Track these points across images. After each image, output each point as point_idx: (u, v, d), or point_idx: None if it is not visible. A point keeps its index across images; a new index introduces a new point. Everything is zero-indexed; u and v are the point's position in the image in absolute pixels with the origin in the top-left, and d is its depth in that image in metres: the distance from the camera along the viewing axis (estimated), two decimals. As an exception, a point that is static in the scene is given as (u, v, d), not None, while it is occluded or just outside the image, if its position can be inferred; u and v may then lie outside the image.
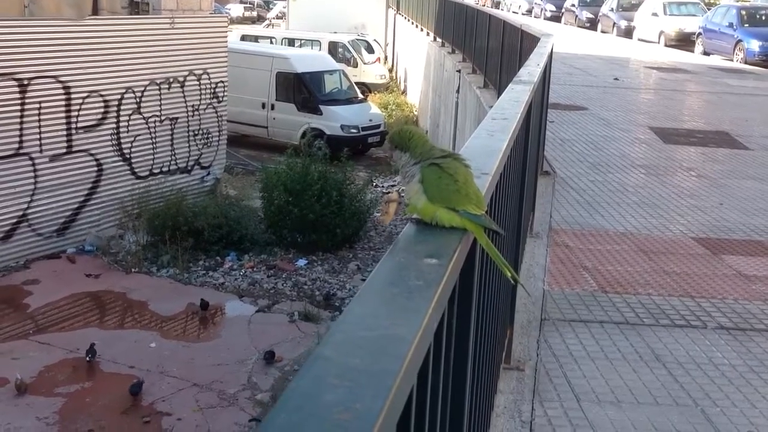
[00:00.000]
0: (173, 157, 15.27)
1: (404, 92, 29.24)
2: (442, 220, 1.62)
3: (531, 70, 5.14)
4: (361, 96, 22.73)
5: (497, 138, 2.67)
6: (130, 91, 14.21)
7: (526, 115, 4.05)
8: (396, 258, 1.44)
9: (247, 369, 9.73)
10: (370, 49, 29.59)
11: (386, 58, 32.80)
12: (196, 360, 9.93)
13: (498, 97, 4.73)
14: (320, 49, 26.45)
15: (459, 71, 16.02)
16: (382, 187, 18.44)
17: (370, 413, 0.92)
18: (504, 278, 2.84)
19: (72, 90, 13.24)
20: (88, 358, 9.65)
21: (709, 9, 27.29)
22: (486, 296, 2.45)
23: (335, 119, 20.55)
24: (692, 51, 24.96)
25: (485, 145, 2.56)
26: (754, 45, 22.46)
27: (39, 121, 12.81)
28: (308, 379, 1.00)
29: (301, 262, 13.24)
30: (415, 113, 26.31)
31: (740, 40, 22.86)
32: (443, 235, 1.60)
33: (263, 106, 21.15)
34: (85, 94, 13.43)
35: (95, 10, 14.18)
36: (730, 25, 23.42)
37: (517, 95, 3.79)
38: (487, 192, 2.14)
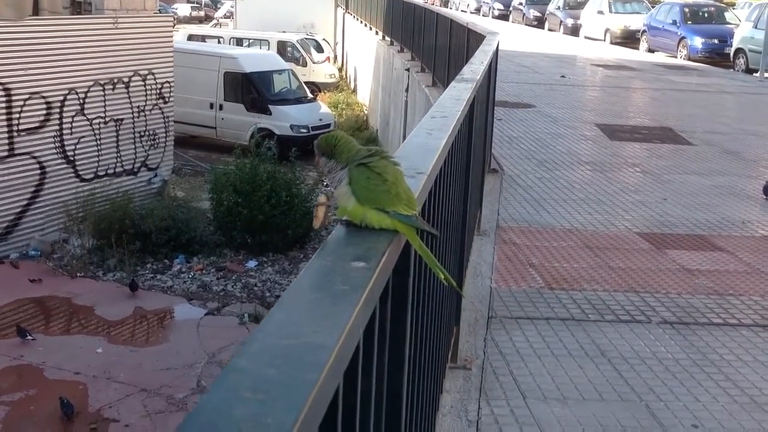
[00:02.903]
0: (119, 159, 15.01)
1: (354, 91, 29.18)
2: (371, 222, 1.57)
3: (474, 68, 5.13)
4: (310, 95, 22.64)
5: (435, 136, 2.65)
6: (73, 92, 13.92)
7: (469, 112, 4.03)
8: (322, 262, 1.40)
9: (196, 373, 9.60)
10: (319, 49, 29.47)
11: (336, 57, 32.71)
12: (144, 365, 9.77)
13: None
14: (269, 49, 26.28)
15: (408, 70, 16.03)
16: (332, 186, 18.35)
17: (282, 428, 0.89)
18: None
19: (13, 92, 12.94)
20: (29, 337, 9.95)
21: (653, 7, 27.71)
22: (425, 297, 2.41)
23: (285, 119, 20.43)
24: (637, 48, 25.33)
25: (423, 144, 2.54)
26: (697, 42, 22.88)
27: (-21, 124, 12.52)
28: (221, 393, 0.96)
29: (252, 264, 13.12)
30: (366, 112, 26.28)
31: (683, 37, 23.27)
32: (373, 237, 1.56)
33: (211, 106, 20.93)
34: (26, 96, 13.13)
35: (36, 10, 13.84)
36: (674, 23, 23.83)
37: (459, 93, 3.77)
38: (425, 191, 2.11)
